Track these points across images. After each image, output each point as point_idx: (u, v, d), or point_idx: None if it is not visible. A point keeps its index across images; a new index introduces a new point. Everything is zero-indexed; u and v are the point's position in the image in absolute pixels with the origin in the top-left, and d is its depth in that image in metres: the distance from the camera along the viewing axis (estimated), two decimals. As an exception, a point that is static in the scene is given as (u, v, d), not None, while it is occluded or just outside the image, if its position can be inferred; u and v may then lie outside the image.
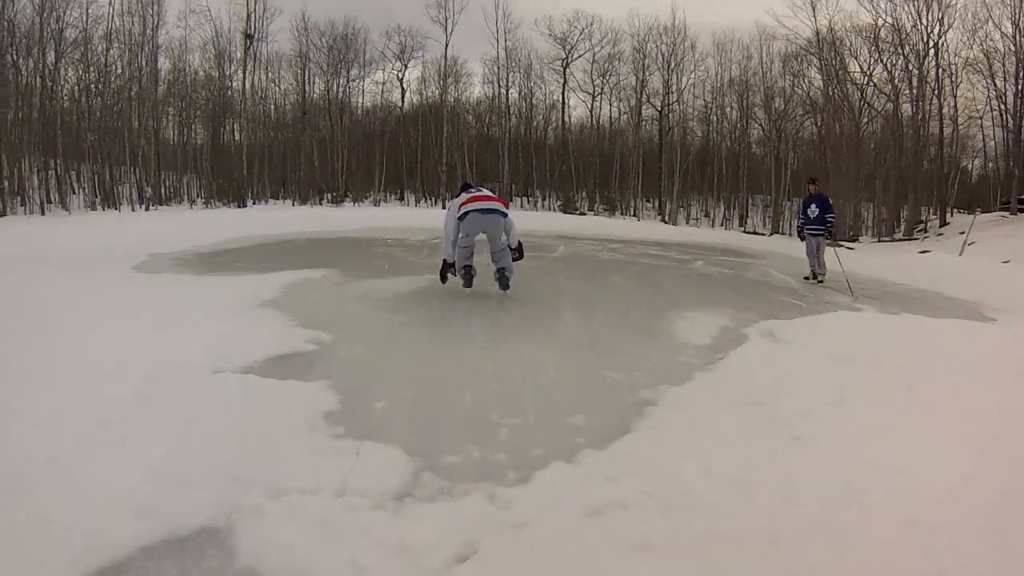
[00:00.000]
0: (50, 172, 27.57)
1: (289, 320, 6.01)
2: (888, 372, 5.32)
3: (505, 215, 7.62)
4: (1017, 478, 3.45)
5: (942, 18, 28.86)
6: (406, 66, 36.85)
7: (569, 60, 37.01)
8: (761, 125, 35.66)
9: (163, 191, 30.52)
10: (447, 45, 35.09)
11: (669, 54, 35.38)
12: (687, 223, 34.19)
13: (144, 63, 30.22)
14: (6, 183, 25.64)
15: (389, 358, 5.14)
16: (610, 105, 38.00)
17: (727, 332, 6.58)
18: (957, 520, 3.00)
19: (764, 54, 34.58)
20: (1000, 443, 3.93)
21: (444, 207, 8.56)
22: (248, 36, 32.06)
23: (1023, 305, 9.32)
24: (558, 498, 3.08)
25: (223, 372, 4.46)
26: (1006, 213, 25.54)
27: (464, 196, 7.63)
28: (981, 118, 30.41)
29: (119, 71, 29.92)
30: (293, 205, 31.42)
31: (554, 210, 34.73)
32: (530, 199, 37.13)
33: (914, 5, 29.30)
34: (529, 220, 20.84)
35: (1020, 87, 27.12)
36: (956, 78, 29.58)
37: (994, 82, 28.61)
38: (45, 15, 27.08)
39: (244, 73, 32.80)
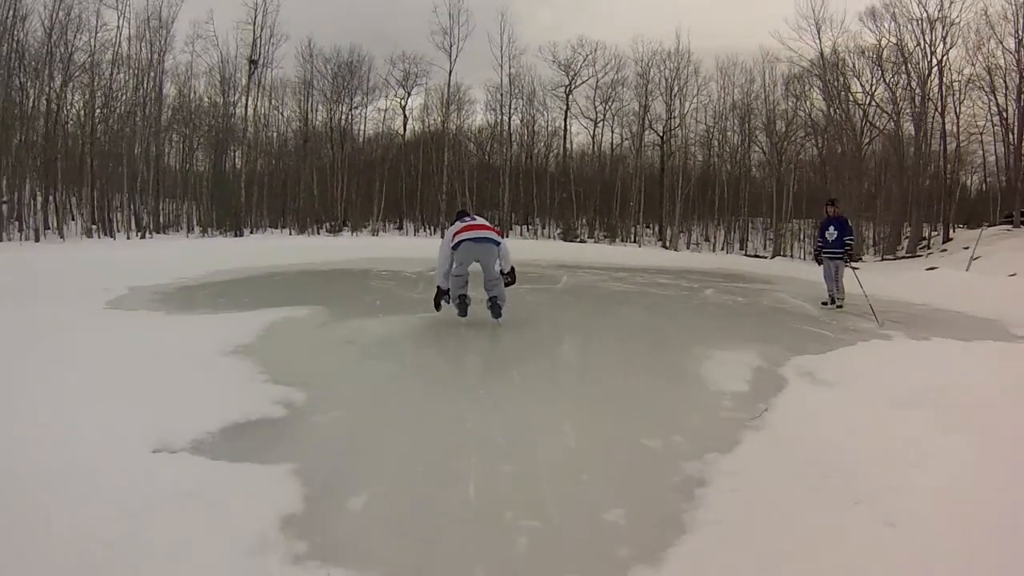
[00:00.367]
0: (49, 198, 26.75)
1: (260, 373, 5.09)
2: (957, 417, 4.39)
3: (498, 243, 7.50)
4: None
5: (946, 36, 28.27)
6: (409, 93, 36.24)
7: (572, 87, 36.40)
8: (762, 148, 34.99)
9: (161, 219, 29.70)
10: (451, 72, 34.48)
11: (672, 79, 34.77)
12: (688, 248, 33.38)
13: (150, 88, 29.55)
14: (5, 208, 24.93)
15: (372, 426, 4.21)
16: (612, 131, 37.38)
17: (762, 374, 5.74)
18: None
19: (767, 77, 33.98)
20: None
21: (442, 236, 7.75)
22: (252, 62, 31.36)
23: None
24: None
25: (164, 452, 3.54)
26: (1008, 226, 24.96)
27: (459, 224, 7.53)
28: (981, 133, 29.75)
29: (126, 96, 29.23)
30: (291, 234, 30.63)
31: (554, 238, 34.04)
32: (530, 227, 36.30)
33: (918, 24, 28.74)
34: (530, 249, 20.29)
35: (1022, 102, 26.39)
36: (960, 95, 28.88)
37: (995, 97, 27.94)
38: (55, 39, 26.48)
39: (247, 99, 32.14)
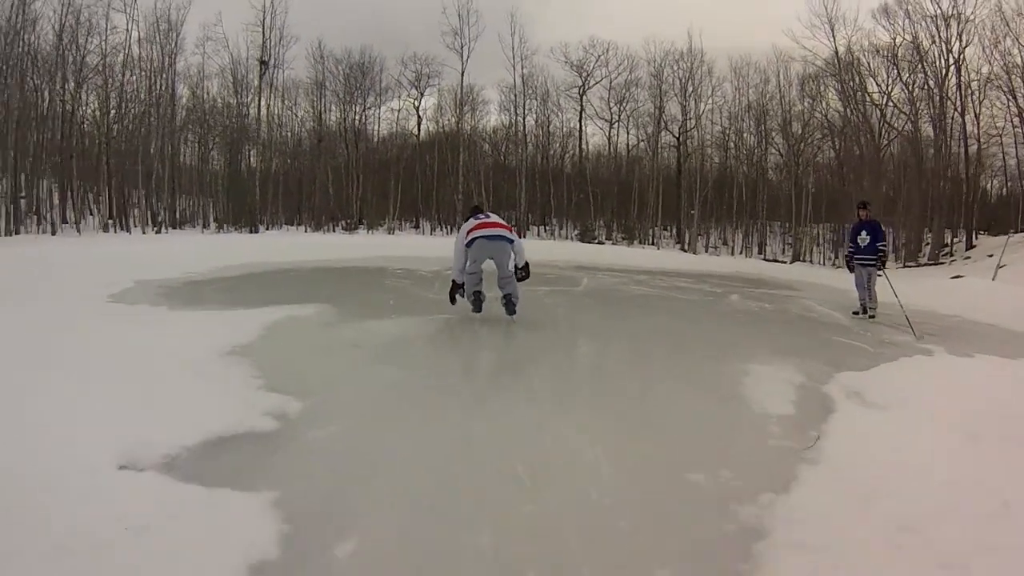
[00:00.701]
0: (67, 193, 26.82)
1: (255, 378, 4.55)
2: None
3: (512, 241, 7.42)
4: None
5: (961, 33, 27.37)
6: (422, 94, 35.60)
7: (586, 87, 35.71)
8: (779, 150, 34.21)
9: (178, 215, 29.45)
10: (463, 72, 33.82)
11: (686, 80, 33.99)
12: (706, 251, 32.62)
13: (163, 89, 29.33)
14: (23, 203, 25.06)
15: (372, 446, 3.62)
16: (627, 132, 36.61)
17: (805, 393, 5.13)
18: None
19: (782, 77, 33.11)
20: None
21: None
22: (263, 63, 30.98)
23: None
24: None
25: (131, 470, 3.00)
26: (1034, 233, 23.94)
27: (472, 222, 7.48)
28: (1001, 135, 28.81)
29: (140, 97, 29.08)
30: (306, 231, 30.23)
31: (571, 239, 33.34)
32: (547, 228, 35.64)
33: (932, 21, 27.86)
34: (547, 250, 19.71)
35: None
36: (980, 95, 27.97)
37: (1015, 98, 26.89)
38: (66, 42, 26.44)
39: (259, 100, 31.73)
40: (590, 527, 2.84)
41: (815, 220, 33.22)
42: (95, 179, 28.05)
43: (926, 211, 28.33)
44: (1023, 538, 2.82)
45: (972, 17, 27.15)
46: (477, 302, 7.48)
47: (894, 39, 28.95)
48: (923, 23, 28.16)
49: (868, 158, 29.23)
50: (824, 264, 29.94)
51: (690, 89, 33.93)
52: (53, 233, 24.12)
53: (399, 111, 35.62)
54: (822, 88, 31.87)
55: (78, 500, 2.67)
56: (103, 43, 27.37)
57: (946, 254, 27.43)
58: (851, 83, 30.02)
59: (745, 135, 34.93)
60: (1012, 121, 27.75)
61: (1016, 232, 25.20)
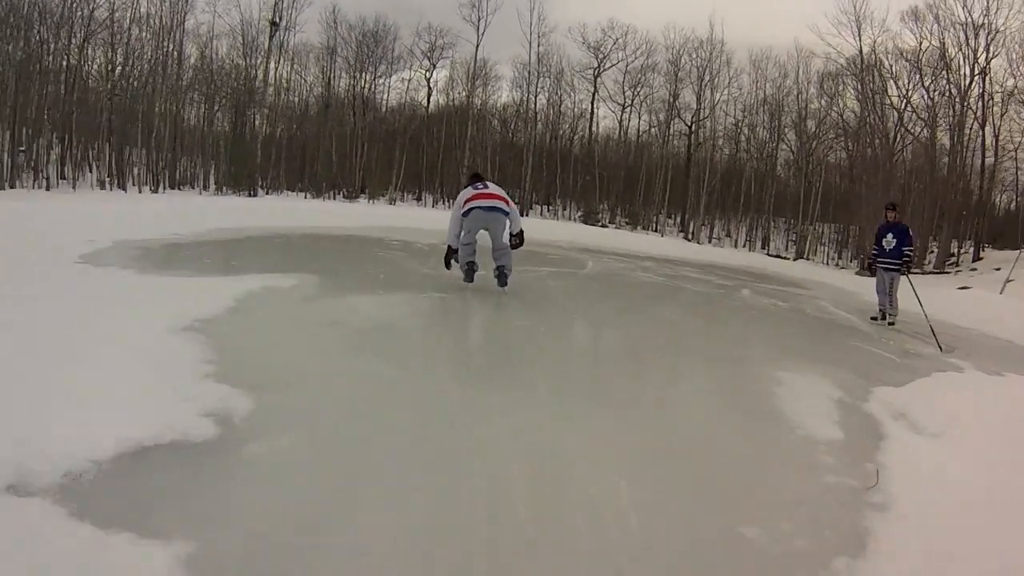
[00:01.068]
0: (66, 149, 26.03)
1: (207, 363, 3.76)
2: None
3: (507, 213, 7.34)
4: None
5: (989, 44, 26.44)
6: (434, 65, 34.76)
7: (601, 69, 34.72)
8: (790, 146, 33.35)
9: (178, 175, 28.56)
10: (478, 46, 32.99)
11: (704, 68, 33.09)
12: (709, 242, 31.86)
13: (171, 48, 28.47)
14: (23, 156, 24.24)
15: (335, 467, 2.81)
16: (639, 117, 35.74)
17: (847, 412, 4.41)
18: None
19: (801, 73, 32.24)
20: None
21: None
22: (274, 23, 30.02)
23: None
24: None
25: (15, 495, 2.24)
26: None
27: (470, 191, 7.38)
28: (1016, 150, 28.01)
29: (148, 55, 28.27)
30: (306, 198, 29.36)
31: (575, 220, 32.58)
32: (550, 208, 34.83)
33: (961, 28, 26.88)
34: (550, 230, 18.93)
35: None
36: (1003, 108, 27.12)
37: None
38: None
39: (268, 61, 30.82)
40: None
41: (824, 219, 32.46)
42: (95, 136, 27.27)
43: (934, 219, 27.55)
44: None
45: (1003, 28, 26.44)
46: (469, 272, 7.48)
47: (920, 43, 28.14)
48: (951, 29, 27.39)
49: (881, 161, 28.36)
50: (828, 264, 29.24)
51: (707, 78, 33.17)
52: (47, 189, 23.36)
53: (409, 81, 34.80)
54: (840, 87, 31.15)
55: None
56: (112, -1, 26.37)
57: (951, 264, 26.70)
58: (872, 84, 29.12)
59: (758, 129, 34.05)
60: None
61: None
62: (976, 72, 26.94)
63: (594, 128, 35.92)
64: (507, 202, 7.42)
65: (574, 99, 35.79)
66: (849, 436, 3.89)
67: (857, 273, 23.48)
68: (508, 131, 36.66)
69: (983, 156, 27.39)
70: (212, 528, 2.21)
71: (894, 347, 7.44)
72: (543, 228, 18.79)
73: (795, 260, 28.33)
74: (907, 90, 28.85)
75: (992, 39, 26.46)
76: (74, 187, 24.41)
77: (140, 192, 25.22)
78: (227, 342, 4.26)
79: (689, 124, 33.83)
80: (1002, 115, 27.39)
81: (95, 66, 27.66)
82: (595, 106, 35.36)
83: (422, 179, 34.26)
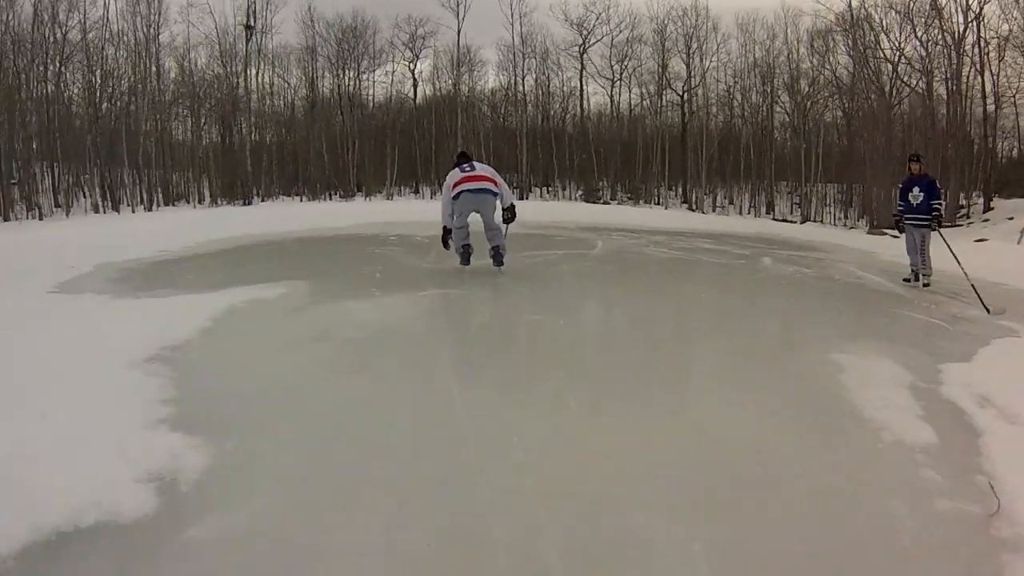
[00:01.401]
0: (58, 176, 25.50)
1: (164, 403, 3.09)
2: None
3: (496, 193, 7.36)
4: None
5: (981, -12, 25.36)
6: (417, 56, 33.65)
7: (586, 46, 33.65)
8: (785, 109, 32.42)
9: (172, 191, 27.81)
10: (459, 31, 31.91)
11: (691, 36, 32.08)
12: (713, 211, 31.02)
13: (149, 63, 27.51)
14: (16, 189, 23.60)
15: (312, 556, 2.09)
16: (630, 91, 34.61)
17: (926, 399, 3.70)
18: None
19: (790, 33, 31.19)
20: None
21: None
22: (249, 27, 29.04)
23: None
24: None
25: None
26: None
27: (458, 174, 7.30)
28: (1015, 96, 27.01)
29: (127, 73, 27.31)
30: (302, 201, 28.55)
31: (576, 200, 31.69)
32: (550, 189, 33.94)
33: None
34: (552, 211, 18.17)
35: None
36: (1000, 54, 26.05)
37: (1031, 57, 25.03)
38: (45, 20, 24.81)
39: (246, 66, 29.73)
40: None
41: (827, 179, 31.59)
42: (83, 160, 26.40)
43: (938, 171, 26.60)
44: None
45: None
46: (465, 255, 7.49)
47: (909, -9, 26.94)
48: (941, -24, 26.16)
49: (880, 115, 27.38)
50: (835, 225, 28.42)
51: (694, 46, 32.14)
52: (40, 218, 22.72)
53: (393, 74, 33.79)
54: (831, 44, 30.10)
55: None
56: (83, 18, 25.73)
57: (962, 216, 25.83)
58: (863, 39, 28.11)
59: (750, 93, 33.13)
60: (1026, 82, 25.99)
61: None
62: (970, 20, 25.91)
63: (585, 105, 34.94)
64: (495, 182, 7.38)
65: (562, 78, 34.74)
66: (942, 436, 3.17)
67: (868, 232, 22.76)
68: (499, 116, 35.67)
69: (984, 104, 26.34)
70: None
71: (940, 312, 6.71)
72: (545, 210, 18.08)
73: (802, 223, 27.50)
74: (899, 42, 27.89)
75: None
76: (67, 214, 23.75)
77: (133, 212, 24.53)
78: (194, 373, 3.60)
79: (680, 94, 32.89)
80: (999, 60, 26.40)
81: (75, 90, 26.97)
82: (584, 83, 34.37)
83: (417, 172, 33.44)
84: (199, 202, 27.94)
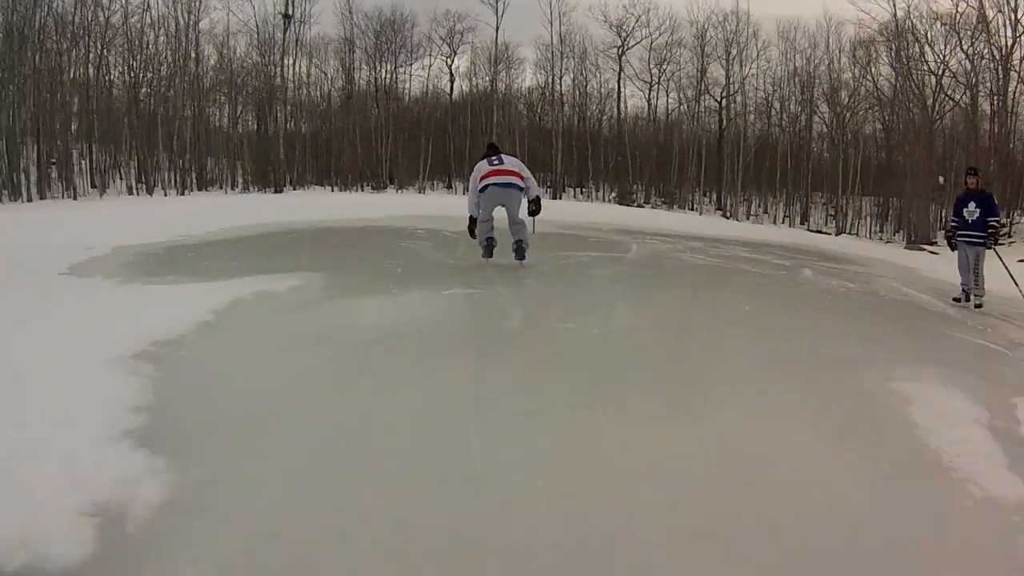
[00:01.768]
0: (95, 158, 25.34)
1: (136, 410, 2.63)
2: None
3: (522, 188, 7.33)
4: None
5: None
6: (455, 51, 33.32)
7: (625, 48, 32.96)
8: (824, 119, 31.51)
9: (206, 176, 27.78)
10: (498, 28, 31.44)
11: (731, 42, 31.27)
12: (747, 219, 30.26)
13: (188, 49, 27.41)
14: (53, 168, 23.63)
15: None
16: (667, 95, 33.84)
17: (1007, 442, 3.14)
18: None
19: (831, 42, 30.24)
20: None
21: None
22: (287, 16, 28.86)
23: None
24: None
25: None
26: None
27: (485, 166, 7.37)
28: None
29: (167, 58, 27.31)
30: (333, 191, 28.36)
31: (609, 202, 31.14)
32: (584, 191, 33.37)
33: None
34: (587, 211, 17.84)
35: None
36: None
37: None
38: (88, 3, 24.71)
39: (283, 55, 29.56)
40: None
41: (865, 192, 30.64)
42: (121, 143, 26.48)
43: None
44: None
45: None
46: (488, 248, 7.46)
47: (956, 5, 25.84)
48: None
49: (921, 129, 26.42)
50: (871, 238, 27.53)
51: (734, 52, 31.35)
52: (75, 198, 22.60)
53: (430, 68, 33.50)
54: (874, 55, 29.11)
55: None
56: (125, 3, 25.75)
57: (1004, 234, 24.84)
58: (907, 50, 27.15)
59: (789, 102, 32.25)
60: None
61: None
62: (1018, 34, 24.81)
63: (622, 108, 34.27)
64: (521, 176, 7.34)
65: (600, 79, 34.14)
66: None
67: (906, 247, 22.00)
68: (535, 115, 35.18)
69: (1028, 119, 25.38)
70: None
71: (996, 336, 6.07)
72: (579, 211, 17.74)
73: (836, 235, 26.69)
74: (944, 55, 26.88)
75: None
76: (102, 195, 23.72)
77: (165, 195, 24.47)
78: (179, 375, 3.18)
79: (719, 100, 32.12)
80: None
81: (116, 73, 27.04)
82: (622, 85, 33.74)
83: (451, 167, 33.08)
84: (231, 188, 27.90)
